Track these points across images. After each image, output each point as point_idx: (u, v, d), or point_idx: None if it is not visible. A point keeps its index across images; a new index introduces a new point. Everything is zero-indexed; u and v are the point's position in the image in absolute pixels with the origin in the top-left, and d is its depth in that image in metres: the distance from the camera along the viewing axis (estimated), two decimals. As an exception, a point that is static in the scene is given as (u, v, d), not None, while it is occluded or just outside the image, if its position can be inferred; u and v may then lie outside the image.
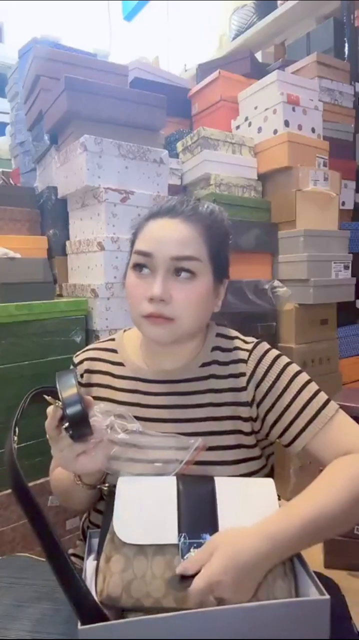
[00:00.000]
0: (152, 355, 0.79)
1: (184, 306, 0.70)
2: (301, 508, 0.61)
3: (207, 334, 0.81)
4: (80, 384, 0.82)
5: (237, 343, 0.80)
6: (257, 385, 0.75)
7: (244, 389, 0.76)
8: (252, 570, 0.56)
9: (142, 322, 0.72)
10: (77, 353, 0.86)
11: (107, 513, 0.63)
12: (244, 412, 0.75)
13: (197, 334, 0.78)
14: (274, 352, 0.78)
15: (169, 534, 0.59)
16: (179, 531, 0.59)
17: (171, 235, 0.71)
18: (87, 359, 0.83)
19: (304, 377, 0.76)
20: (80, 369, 0.83)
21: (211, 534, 0.59)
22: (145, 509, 0.62)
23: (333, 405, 0.74)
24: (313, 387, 0.75)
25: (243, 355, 0.78)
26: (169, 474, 0.67)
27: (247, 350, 0.78)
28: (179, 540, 0.59)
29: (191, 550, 0.58)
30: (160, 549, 0.59)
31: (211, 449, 0.72)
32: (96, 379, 0.81)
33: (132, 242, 0.78)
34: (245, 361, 0.77)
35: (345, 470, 0.65)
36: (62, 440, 0.63)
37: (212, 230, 0.74)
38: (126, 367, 0.81)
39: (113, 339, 0.86)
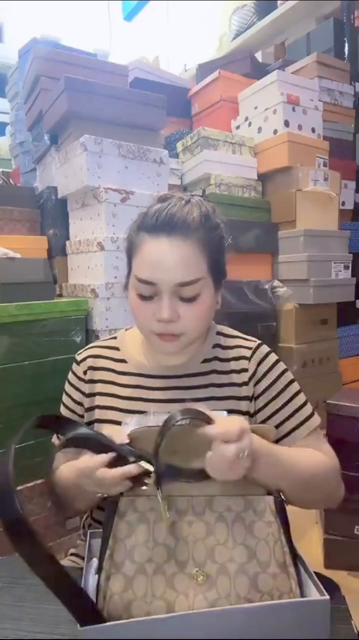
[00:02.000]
0: (155, 352, 0.81)
1: (191, 322, 0.72)
2: (281, 450, 0.70)
3: (208, 332, 0.83)
4: (84, 381, 0.83)
5: (238, 341, 0.83)
6: (257, 383, 0.79)
7: (245, 384, 0.79)
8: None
9: (152, 337, 0.74)
10: (80, 351, 0.88)
11: (106, 525, 0.62)
12: (243, 406, 0.78)
13: (201, 337, 0.80)
14: (275, 356, 0.82)
15: None
16: None
17: (172, 260, 0.70)
18: (90, 356, 0.85)
19: (297, 386, 0.80)
20: (84, 365, 0.84)
21: None
22: None
23: (317, 418, 0.79)
24: (303, 397, 0.80)
25: (246, 352, 0.81)
26: None
27: (249, 348, 0.81)
28: None
29: None
30: (160, 567, 0.59)
31: None
32: (99, 375, 0.83)
33: (128, 253, 0.77)
34: (248, 358, 0.80)
35: (317, 456, 0.74)
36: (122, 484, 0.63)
37: (209, 240, 0.73)
38: (128, 363, 0.82)
39: (115, 337, 0.88)
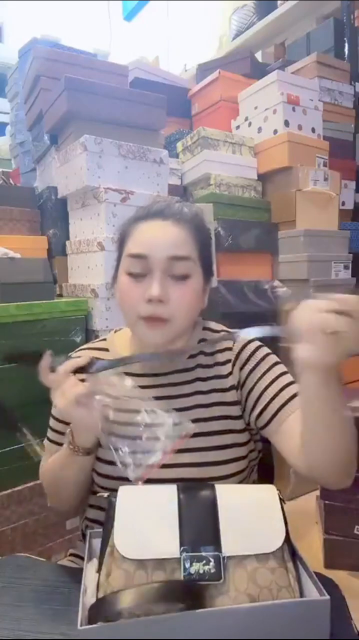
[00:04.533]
0: (142, 351, 0.81)
1: (180, 306, 0.73)
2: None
3: (195, 328, 0.84)
4: None
5: (223, 335, 0.84)
6: (241, 368, 0.79)
7: (230, 374, 0.79)
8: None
9: (138, 324, 0.74)
10: (70, 353, 0.88)
11: (107, 523, 0.63)
12: (230, 396, 0.78)
13: (186, 331, 0.81)
14: (258, 342, 0.82)
15: (170, 547, 0.58)
16: (181, 545, 0.59)
17: (165, 236, 0.73)
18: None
19: (282, 367, 0.80)
20: None
21: (213, 548, 0.58)
22: (146, 521, 0.61)
23: None
24: (289, 377, 0.79)
25: (228, 343, 0.82)
26: (155, 453, 0.67)
27: (232, 339, 0.82)
28: (181, 554, 0.58)
29: (193, 564, 0.58)
30: (160, 563, 0.58)
31: (198, 435, 0.73)
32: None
33: (120, 246, 0.80)
34: (230, 348, 0.81)
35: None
36: (67, 382, 0.66)
37: (199, 232, 0.77)
38: None
39: (105, 339, 0.89)
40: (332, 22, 2.35)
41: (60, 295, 1.65)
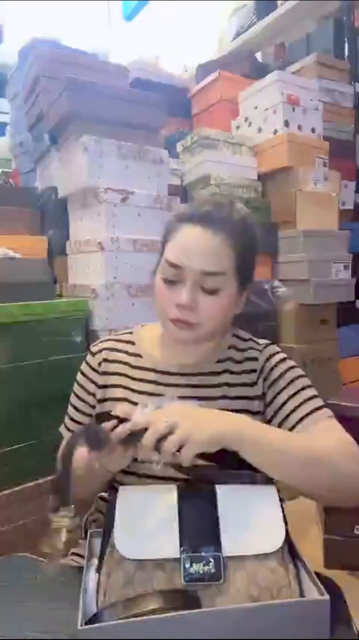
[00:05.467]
0: (171, 350, 0.82)
1: (208, 315, 0.75)
2: (275, 431, 0.72)
3: (225, 334, 0.85)
4: (98, 372, 0.85)
5: (251, 344, 0.86)
6: (264, 379, 0.81)
7: (255, 384, 0.81)
8: (208, 413, 0.66)
9: (167, 324, 0.77)
10: (95, 343, 0.89)
11: (107, 522, 0.63)
12: (254, 406, 0.79)
13: (217, 334, 0.82)
14: (283, 354, 0.84)
15: (170, 548, 0.59)
16: (180, 545, 0.59)
17: (201, 248, 0.73)
18: (105, 349, 0.86)
19: (305, 381, 0.81)
20: (99, 357, 0.85)
21: (213, 548, 0.59)
22: (145, 522, 0.61)
23: (327, 410, 0.78)
24: (311, 391, 0.80)
25: (256, 354, 0.83)
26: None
27: (259, 350, 0.84)
28: (181, 555, 0.58)
29: (193, 564, 0.58)
30: (160, 563, 0.58)
31: None
32: (113, 368, 0.84)
33: (164, 242, 0.80)
34: (256, 359, 0.82)
35: (322, 440, 0.71)
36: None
37: (242, 240, 0.76)
38: (143, 358, 0.84)
39: (131, 332, 0.89)
40: (332, 22, 2.35)
41: (60, 296, 1.65)
